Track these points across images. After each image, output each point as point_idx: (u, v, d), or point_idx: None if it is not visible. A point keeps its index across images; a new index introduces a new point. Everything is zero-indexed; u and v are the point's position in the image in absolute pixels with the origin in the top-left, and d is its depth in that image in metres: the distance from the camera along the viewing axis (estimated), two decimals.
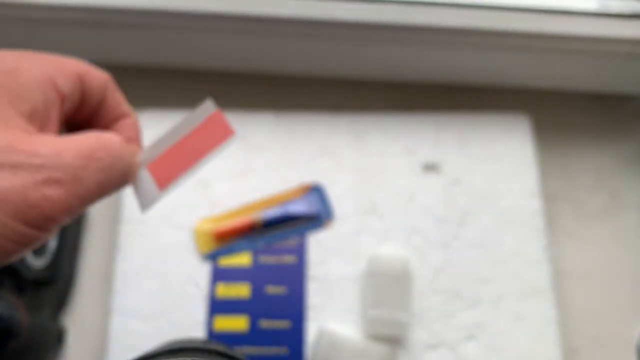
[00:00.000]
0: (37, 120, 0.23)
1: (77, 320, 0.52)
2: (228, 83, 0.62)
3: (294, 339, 0.50)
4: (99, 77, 0.26)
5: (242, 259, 0.52)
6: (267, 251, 0.53)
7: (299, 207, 0.54)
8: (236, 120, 0.58)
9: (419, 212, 0.55)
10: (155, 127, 0.58)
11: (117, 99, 0.28)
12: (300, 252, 0.53)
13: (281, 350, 0.50)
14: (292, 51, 0.58)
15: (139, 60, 0.61)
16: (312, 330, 0.51)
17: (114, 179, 0.25)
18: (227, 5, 0.52)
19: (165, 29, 0.55)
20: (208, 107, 0.31)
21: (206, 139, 0.31)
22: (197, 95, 0.62)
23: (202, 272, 0.52)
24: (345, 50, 0.57)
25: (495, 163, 0.57)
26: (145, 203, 0.29)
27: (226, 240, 0.53)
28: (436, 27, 0.53)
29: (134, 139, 0.28)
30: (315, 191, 0.55)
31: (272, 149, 0.57)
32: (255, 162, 0.57)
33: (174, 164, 0.30)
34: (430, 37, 0.54)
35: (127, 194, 0.55)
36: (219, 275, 0.52)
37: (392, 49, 0.57)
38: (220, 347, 0.43)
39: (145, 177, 0.30)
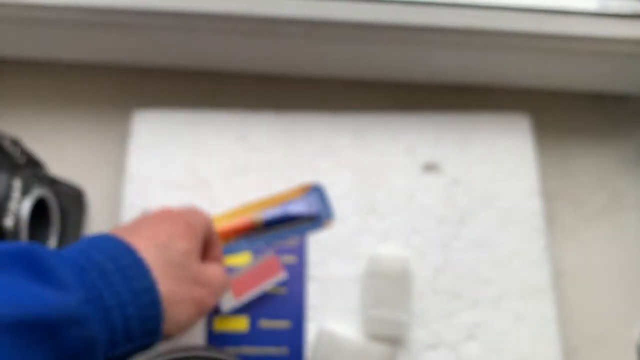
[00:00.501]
0: (198, 255, 0.40)
1: None
2: (228, 83, 0.62)
3: (294, 339, 0.50)
4: (212, 224, 0.43)
5: (242, 259, 0.52)
6: (267, 251, 0.53)
7: (299, 207, 0.54)
8: (236, 120, 0.59)
9: (419, 212, 0.55)
10: (155, 127, 0.58)
11: (215, 234, 0.44)
12: (300, 252, 0.53)
13: (281, 350, 0.50)
14: (292, 51, 0.58)
15: (139, 60, 0.61)
16: (312, 330, 0.51)
17: (225, 292, 0.43)
18: (227, 5, 0.52)
19: (165, 29, 0.55)
20: (269, 254, 0.51)
21: (265, 273, 0.51)
22: (197, 95, 0.62)
23: None
24: (345, 50, 0.57)
25: (495, 163, 0.57)
26: (225, 305, 0.50)
27: (226, 240, 0.53)
28: (436, 27, 0.53)
29: (222, 260, 0.45)
30: (315, 191, 0.55)
31: (272, 149, 0.57)
32: (255, 162, 0.57)
33: (244, 284, 0.50)
34: (430, 37, 0.54)
35: (127, 193, 0.55)
36: None
37: (392, 49, 0.57)
38: (223, 356, 0.44)
39: (227, 291, 0.49)
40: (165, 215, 0.40)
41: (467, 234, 0.55)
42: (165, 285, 0.35)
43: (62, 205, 0.51)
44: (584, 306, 0.55)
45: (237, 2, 0.52)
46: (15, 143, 0.50)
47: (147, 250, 0.35)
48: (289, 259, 0.53)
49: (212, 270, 0.40)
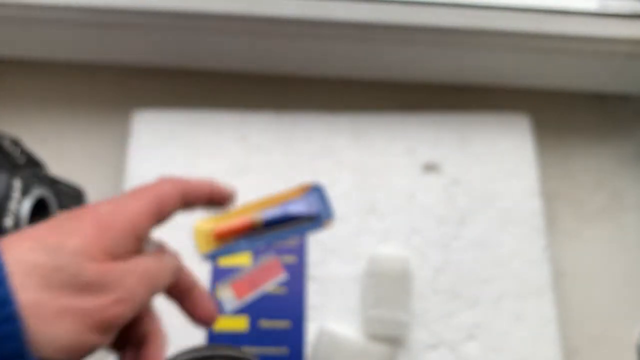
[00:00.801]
0: (107, 254, 0.30)
1: None
2: (228, 83, 0.62)
3: (294, 339, 0.50)
4: (174, 200, 0.35)
5: (242, 259, 0.52)
6: (267, 251, 0.53)
7: (299, 207, 0.54)
8: (236, 120, 0.59)
9: (419, 212, 0.55)
10: (155, 127, 0.58)
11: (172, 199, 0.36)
12: (300, 252, 0.53)
13: (281, 350, 0.50)
14: (292, 51, 0.58)
15: (139, 60, 0.61)
16: (312, 330, 0.51)
17: (157, 291, 0.33)
18: (227, 5, 0.52)
19: (165, 29, 0.55)
20: (271, 257, 0.52)
21: (267, 274, 0.51)
22: (197, 95, 0.62)
23: (202, 272, 0.52)
24: (345, 50, 0.57)
25: (495, 163, 0.57)
26: (228, 307, 0.50)
27: (226, 240, 0.53)
28: (436, 27, 0.53)
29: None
30: (315, 191, 0.55)
31: (272, 149, 0.57)
32: (255, 162, 0.57)
33: (246, 286, 0.51)
34: (430, 37, 0.54)
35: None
36: (219, 275, 0.52)
37: (392, 49, 0.57)
38: (245, 355, 0.44)
39: (229, 292, 0.51)
40: (80, 211, 0.31)
41: (467, 234, 0.55)
42: (33, 295, 0.27)
43: (62, 205, 0.51)
44: (584, 306, 0.55)
45: (237, 2, 0.52)
46: (15, 143, 0.50)
47: (23, 252, 0.28)
48: (289, 259, 0.53)
49: (123, 269, 0.30)
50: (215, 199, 0.39)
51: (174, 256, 0.37)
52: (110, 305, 0.29)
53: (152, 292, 0.32)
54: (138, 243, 0.32)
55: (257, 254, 0.52)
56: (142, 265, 0.32)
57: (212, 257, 0.54)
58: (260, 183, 0.56)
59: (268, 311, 0.51)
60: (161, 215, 0.34)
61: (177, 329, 0.51)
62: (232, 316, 0.50)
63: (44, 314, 0.27)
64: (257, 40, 0.56)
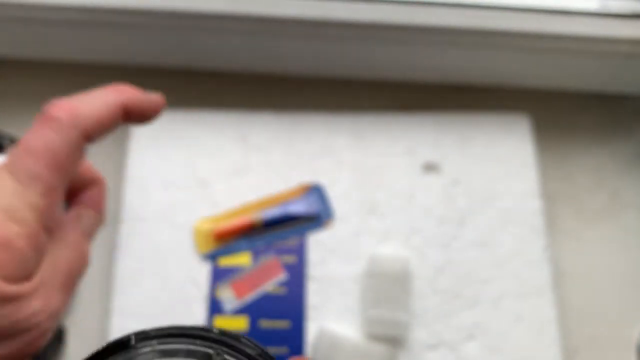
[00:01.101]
0: (26, 272, 0.24)
1: (77, 320, 0.52)
2: (228, 83, 0.62)
3: (294, 339, 0.50)
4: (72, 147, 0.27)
5: (242, 259, 0.52)
6: (267, 251, 0.53)
7: (299, 207, 0.54)
8: (236, 120, 0.59)
9: (419, 212, 0.55)
10: (155, 127, 0.58)
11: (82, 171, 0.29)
12: (300, 252, 0.53)
13: (281, 350, 0.50)
14: (292, 51, 0.58)
15: (139, 61, 0.61)
16: (312, 330, 0.51)
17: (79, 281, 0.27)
18: (227, 6, 0.52)
19: (165, 29, 0.55)
20: (271, 257, 0.52)
21: (267, 274, 0.52)
22: (197, 95, 0.62)
23: (202, 272, 0.52)
24: (346, 50, 0.57)
25: (495, 163, 0.57)
26: (228, 307, 0.50)
27: (226, 240, 0.53)
28: (436, 27, 0.53)
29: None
30: (315, 191, 0.55)
31: (272, 149, 0.57)
32: (255, 162, 0.57)
33: (246, 286, 0.51)
34: (430, 37, 0.54)
35: (127, 193, 0.55)
36: (219, 275, 0.52)
37: (393, 49, 0.57)
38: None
39: (229, 292, 0.51)
40: None
41: (467, 234, 0.55)
42: None
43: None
44: (584, 306, 0.55)
45: (237, 2, 0.52)
46: (16, 143, 0.50)
47: None
48: (289, 259, 0.53)
49: (40, 293, 0.24)
50: (139, 113, 0.29)
51: (89, 211, 0.29)
52: (22, 348, 0.23)
53: (75, 288, 0.26)
54: (52, 231, 0.25)
55: (257, 254, 0.52)
56: (61, 266, 0.25)
57: (212, 257, 0.54)
58: (260, 183, 0.56)
59: (268, 311, 0.51)
60: (66, 182, 0.26)
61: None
62: (232, 316, 0.50)
63: None
64: (257, 40, 0.56)
